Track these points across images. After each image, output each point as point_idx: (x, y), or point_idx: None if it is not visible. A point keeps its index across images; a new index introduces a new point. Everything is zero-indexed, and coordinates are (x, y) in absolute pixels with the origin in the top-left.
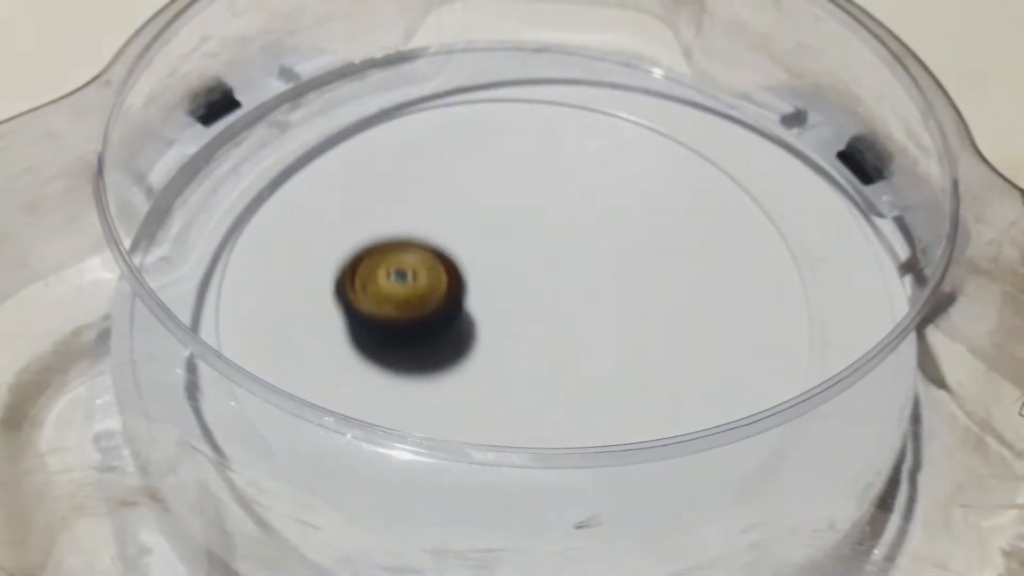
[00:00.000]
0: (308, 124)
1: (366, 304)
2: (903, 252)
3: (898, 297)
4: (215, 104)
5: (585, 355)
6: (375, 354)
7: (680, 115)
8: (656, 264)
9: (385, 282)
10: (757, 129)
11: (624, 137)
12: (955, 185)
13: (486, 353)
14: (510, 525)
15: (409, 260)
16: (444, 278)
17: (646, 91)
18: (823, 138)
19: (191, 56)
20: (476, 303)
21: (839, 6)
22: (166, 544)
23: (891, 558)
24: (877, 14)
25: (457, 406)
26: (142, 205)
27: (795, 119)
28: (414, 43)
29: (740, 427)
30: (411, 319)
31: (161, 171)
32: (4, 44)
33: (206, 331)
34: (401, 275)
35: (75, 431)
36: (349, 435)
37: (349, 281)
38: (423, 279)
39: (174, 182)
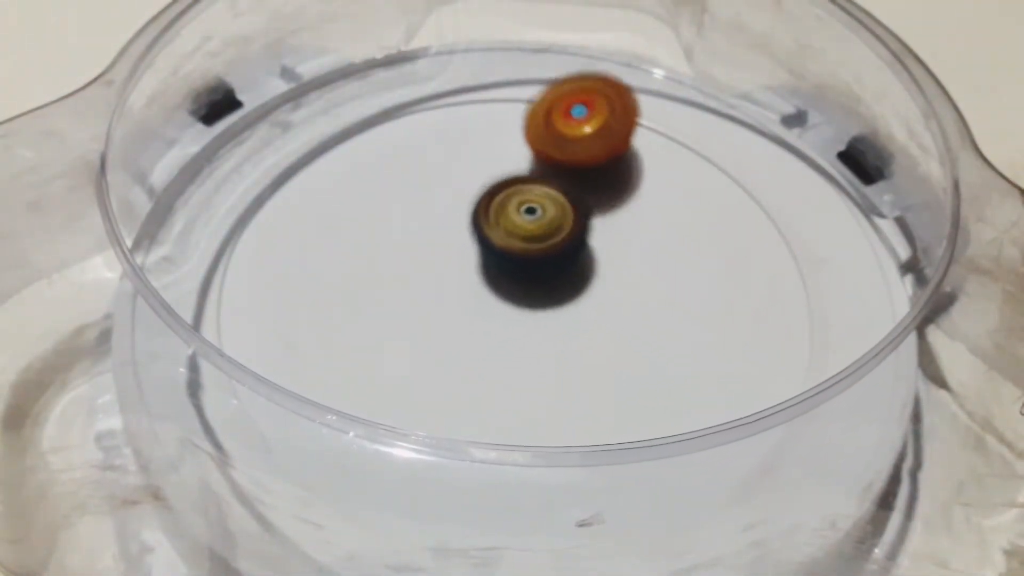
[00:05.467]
0: (310, 124)
1: (498, 236)
2: (904, 252)
3: (899, 297)
4: (217, 104)
5: (586, 353)
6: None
7: (681, 115)
8: (657, 264)
9: (516, 216)
10: (758, 129)
11: None
12: (956, 185)
13: (475, 357)
14: (512, 523)
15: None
16: (571, 212)
17: (647, 91)
18: (824, 138)
19: (193, 56)
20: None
21: (840, 6)
22: (168, 542)
23: (892, 556)
24: (878, 14)
25: (450, 404)
26: (144, 204)
27: (796, 119)
28: (415, 43)
29: (742, 426)
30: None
31: (163, 170)
32: (6, 43)
33: (208, 330)
34: (531, 210)
35: (77, 430)
36: (351, 433)
37: (484, 213)
38: (551, 213)
39: (176, 181)
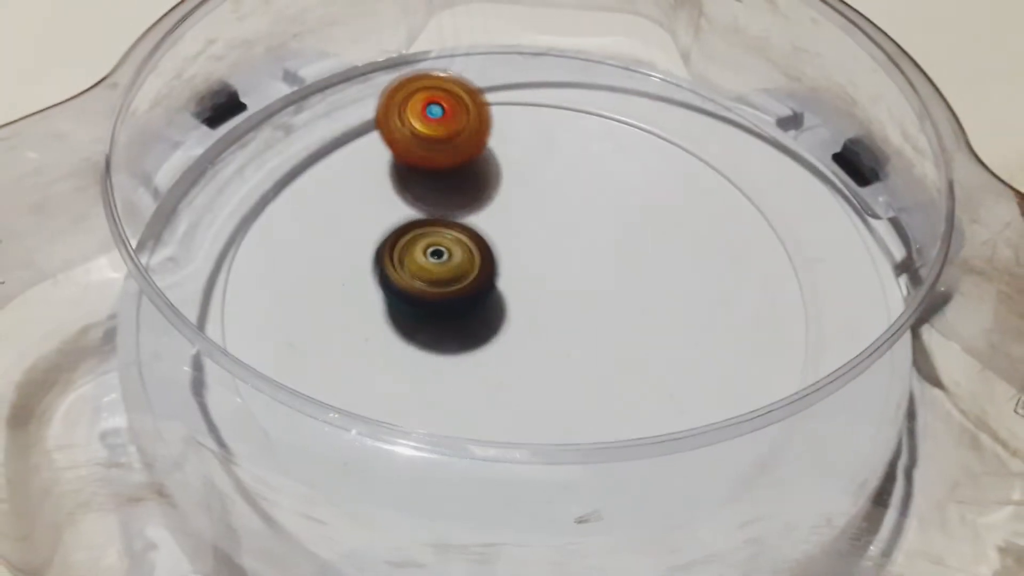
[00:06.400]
0: (312, 126)
1: (402, 279)
2: (899, 252)
3: (894, 297)
4: (221, 106)
5: (586, 354)
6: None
7: (678, 118)
8: (655, 264)
9: (422, 258)
10: (754, 132)
11: (623, 140)
12: (950, 186)
13: (476, 356)
14: (511, 520)
15: (445, 239)
16: (478, 258)
17: (645, 94)
18: (819, 140)
19: (197, 59)
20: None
21: (836, 9)
22: (172, 539)
23: (887, 553)
24: (873, 17)
25: (450, 402)
26: (148, 206)
27: (792, 121)
28: (416, 47)
29: (738, 424)
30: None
31: (167, 172)
32: (12, 46)
33: (212, 329)
34: (437, 253)
35: (82, 428)
36: (353, 431)
37: (388, 256)
38: (457, 257)
39: (180, 183)
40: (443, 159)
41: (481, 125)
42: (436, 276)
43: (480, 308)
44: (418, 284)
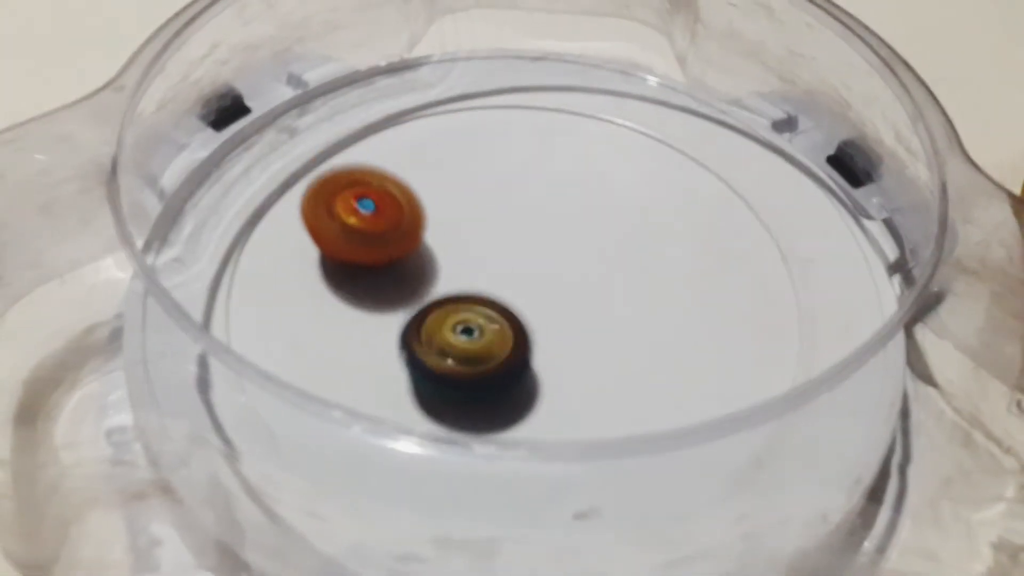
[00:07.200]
0: (315, 129)
1: (430, 357)
2: (892, 253)
3: (887, 296)
4: (225, 109)
5: (581, 352)
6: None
7: (675, 121)
8: (651, 265)
9: (451, 336)
10: (749, 134)
11: (620, 142)
12: (943, 187)
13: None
14: (511, 516)
15: (476, 315)
16: (511, 336)
17: (642, 98)
18: (814, 143)
19: (202, 62)
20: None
21: (830, 14)
22: (177, 535)
23: (881, 549)
24: (868, 21)
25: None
26: (154, 207)
27: (786, 124)
28: (418, 51)
29: (733, 421)
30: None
31: (173, 174)
32: (19, 49)
33: (217, 328)
34: (468, 331)
35: (88, 426)
36: (356, 429)
37: (415, 334)
38: (489, 335)
39: (186, 185)
40: (377, 255)
41: (415, 221)
42: (468, 354)
43: (515, 388)
44: (449, 363)
